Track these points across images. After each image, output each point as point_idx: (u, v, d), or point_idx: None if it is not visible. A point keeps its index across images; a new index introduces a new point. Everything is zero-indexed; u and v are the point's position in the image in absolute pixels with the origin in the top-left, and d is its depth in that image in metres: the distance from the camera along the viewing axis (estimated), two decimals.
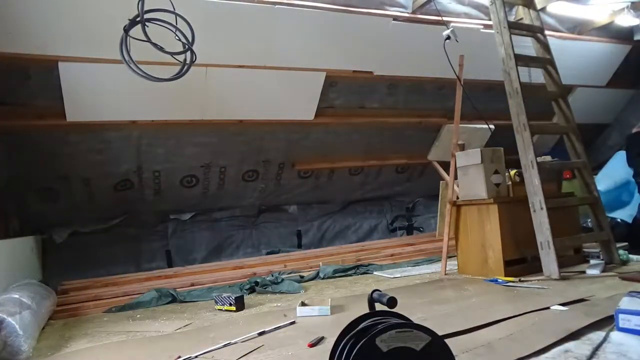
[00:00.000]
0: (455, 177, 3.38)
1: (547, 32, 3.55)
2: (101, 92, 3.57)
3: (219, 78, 3.82)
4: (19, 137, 3.70)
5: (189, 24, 2.65)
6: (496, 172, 3.15)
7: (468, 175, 3.25)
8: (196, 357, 1.84)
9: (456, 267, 3.36)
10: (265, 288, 3.25)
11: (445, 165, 3.86)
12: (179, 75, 2.70)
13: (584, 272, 2.90)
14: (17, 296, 2.30)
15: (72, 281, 3.78)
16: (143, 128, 4.00)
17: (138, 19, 2.49)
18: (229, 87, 3.95)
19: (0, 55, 3.13)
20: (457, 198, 3.36)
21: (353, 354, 1.20)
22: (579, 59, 5.12)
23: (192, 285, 3.47)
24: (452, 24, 3.66)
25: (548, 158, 3.40)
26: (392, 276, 3.43)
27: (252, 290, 3.30)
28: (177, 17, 2.62)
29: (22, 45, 3.14)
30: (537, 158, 2.95)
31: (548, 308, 2.12)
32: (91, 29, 3.19)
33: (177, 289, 3.33)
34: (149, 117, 3.90)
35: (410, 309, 2.28)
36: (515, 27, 3.32)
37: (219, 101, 4.01)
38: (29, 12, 3.01)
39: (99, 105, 3.65)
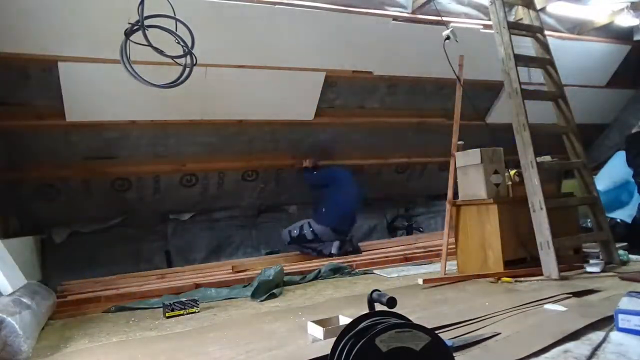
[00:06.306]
0: (455, 178, 3.38)
1: (546, 32, 3.54)
2: (101, 92, 3.58)
3: (219, 78, 3.82)
4: (19, 136, 3.70)
5: (189, 28, 2.65)
6: (496, 172, 3.15)
7: (468, 175, 3.25)
8: None
9: (456, 267, 3.35)
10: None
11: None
12: (179, 82, 2.71)
13: (583, 272, 2.91)
14: (17, 296, 2.30)
15: (71, 281, 3.78)
16: (143, 128, 4.00)
17: (138, 24, 2.49)
18: (229, 87, 3.95)
19: (0, 55, 3.14)
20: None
21: (353, 354, 1.20)
22: (579, 59, 5.12)
23: (196, 286, 3.42)
24: (451, 24, 3.66)
25: (548, 158, 3.40)
26: (391, 276, 3.43)
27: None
28: (177, 22, 2.63)
29: (22, 45, 3.14)
30: (537, 158, 2.95)
31: (547, 308, 2.12)
32: (91, 28, 3.19)
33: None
34: (148, 117, 3.90)
35: (409, 309, 2.28)
36: (515, 27, 3.32)
37: (219, 101, 4.01)
38: (29, 12, 3.01)
39: (98, 105, 3.66)
